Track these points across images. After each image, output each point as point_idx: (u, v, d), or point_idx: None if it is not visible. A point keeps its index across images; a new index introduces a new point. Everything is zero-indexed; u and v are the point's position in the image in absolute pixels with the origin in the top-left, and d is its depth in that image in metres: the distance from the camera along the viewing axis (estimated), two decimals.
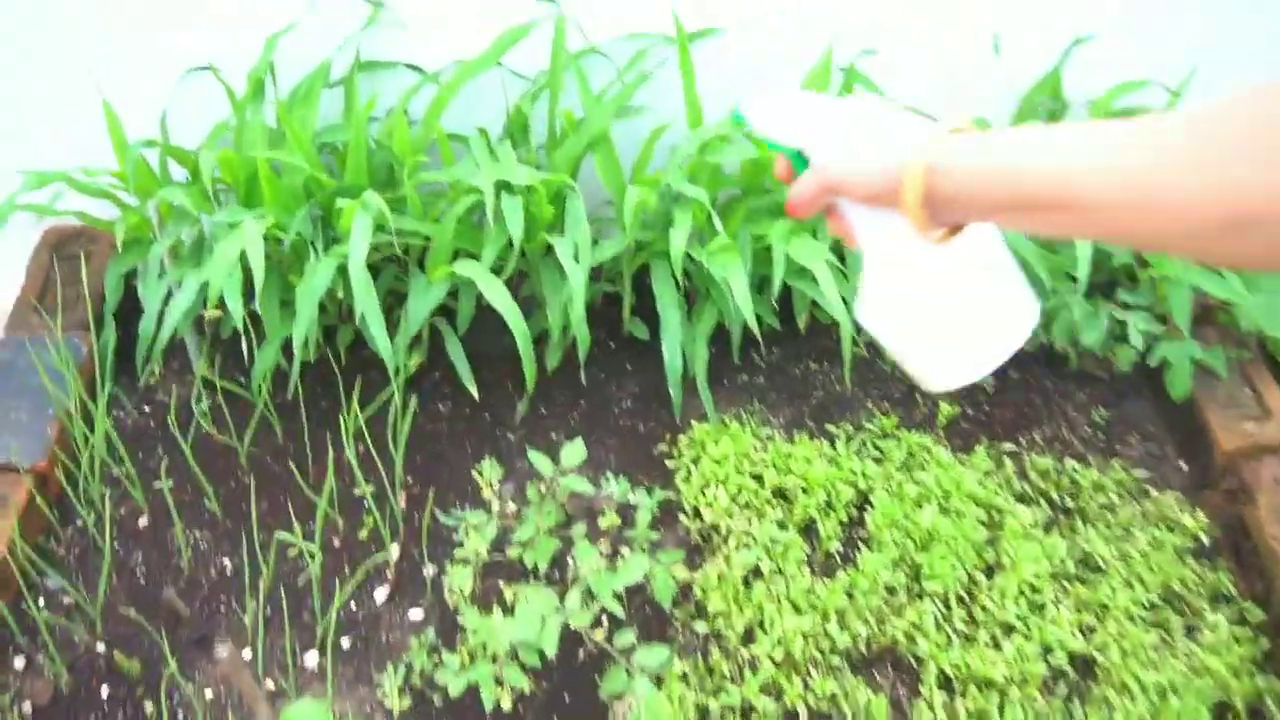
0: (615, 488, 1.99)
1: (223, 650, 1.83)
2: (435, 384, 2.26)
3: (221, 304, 1.91)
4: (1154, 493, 2.10)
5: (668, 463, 2.13)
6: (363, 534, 1.99)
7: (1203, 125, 0.63)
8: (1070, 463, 2.14)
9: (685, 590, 1.92)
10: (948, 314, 0.83)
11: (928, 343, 0.85)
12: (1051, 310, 2.19)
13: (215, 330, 2.26)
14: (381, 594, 1.92)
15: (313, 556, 1.90)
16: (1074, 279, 2.20)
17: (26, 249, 2.36)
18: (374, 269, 2.15)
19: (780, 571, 1.93)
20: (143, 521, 2.00)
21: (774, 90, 0.95)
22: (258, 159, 1.95)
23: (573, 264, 1.95)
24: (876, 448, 2.15)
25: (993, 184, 0.71)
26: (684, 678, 1.80)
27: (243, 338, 1.98)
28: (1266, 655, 1.85)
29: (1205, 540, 2.02)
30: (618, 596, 1.83)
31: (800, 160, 0.87)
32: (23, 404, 2.04)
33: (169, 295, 2.04)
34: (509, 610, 1.85)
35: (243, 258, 1.89)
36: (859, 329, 2.20)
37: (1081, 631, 1.86)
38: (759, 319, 2.17)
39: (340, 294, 2.03)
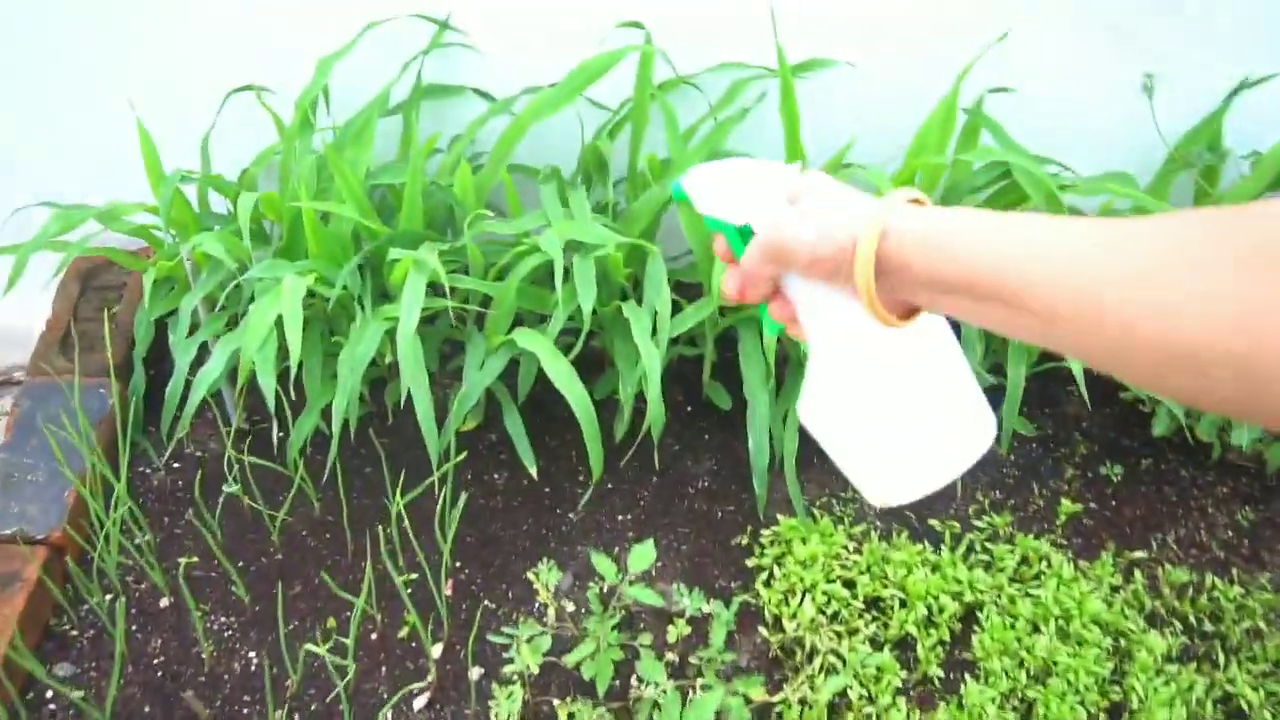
0: (688, 601, 1.74)
1: None
2: (491, 448, 2.02)
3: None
4: None
5: (747, 561, 1.87)
6: (403, 632, 1.76)
7: (1184, 237, 0.54)
8: (1210, 577, 1.84)
9: (762, 712, 1.67)
10: (896, 421, 0.75)
11: (872, 453, 0.77)
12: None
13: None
14: (421, 701, 1.70)
15: (344, 672, 1.68)
16: None
17: (51, 270, 2.15)
18: (428, 318, 1.92)
19: (872, 700, 1.67)
20: (164, 602, 1.79)
21: (708, 164, 0.84)
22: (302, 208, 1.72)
23: (649, 344, 1.69)
24: (986, 551, 1.87)
25: (943, 258, 0.65)
26: None
27: (280, 403, 1.76)
28: None
29: None
30: None
31: (741, 241, 0.79)
32: (41, 464, 1.84)
33: (201, 352, 1.82)
34: None
35: (279, 322, 1.67)
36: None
37: None
38: None
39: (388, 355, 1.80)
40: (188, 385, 1.83)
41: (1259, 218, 0.52)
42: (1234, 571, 1.86)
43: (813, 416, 0.78)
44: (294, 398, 1.81)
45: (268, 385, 1.67)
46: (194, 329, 1.85)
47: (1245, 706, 1.67)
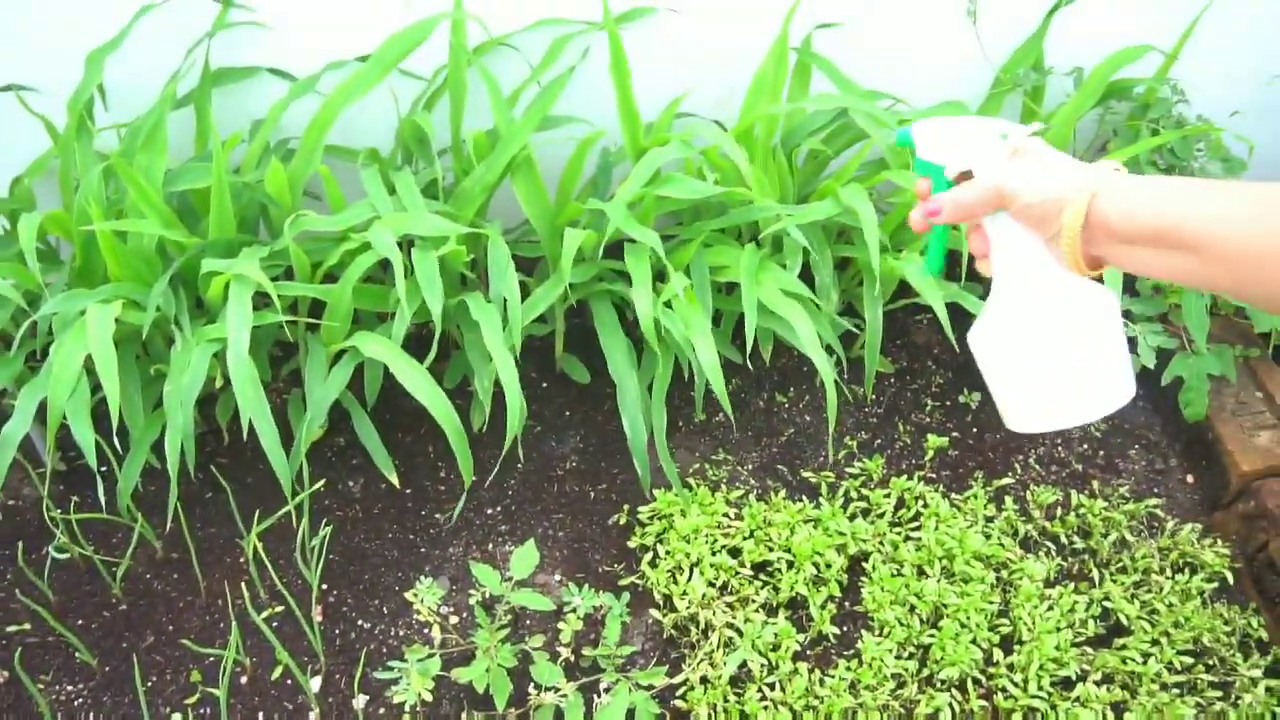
0: (580, 600, 1.57)
1: None
2: (341, 454, 1.79)
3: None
4: (1169, 522, 1.77)
5: (628, 542, 1.71)
6: (276, 672, 1.55)
7: None
8: (1075, 495, 1.79)
9: (665, 695, 1.54)
10: (1053, 363, 0.83)
11: (1026, 384, 0.84)
12: None
13: None
14: None
15: None
16: None
17: None
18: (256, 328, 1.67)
19: (773, 668, 1.56)
20: None
21: (939, 118, 0.90)
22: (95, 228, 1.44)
23: (501, 349, 1.49)
24: (863, 498, 1.77)
25: (1141, 215, 0.74)
26: None
27: (99, 445, 1.49)
28: None
29: (1228, 575, 1.70)
30: None
31: (942, 181, 0.88)
32: None
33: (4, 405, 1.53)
34: None
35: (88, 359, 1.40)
36: (842, 372, 1.80)
37: (1114, 709, 1.54)
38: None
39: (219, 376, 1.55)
40: None
41: None
42: (1094, 484, 1.82)
43: (982, 343, 0.86)
44: (116, 432, 1.55)
45: (85, 437, 1.41)
46: None
47: (1124, 620, 1.63)
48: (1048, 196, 0.80)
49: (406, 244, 1.56)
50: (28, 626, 1.56)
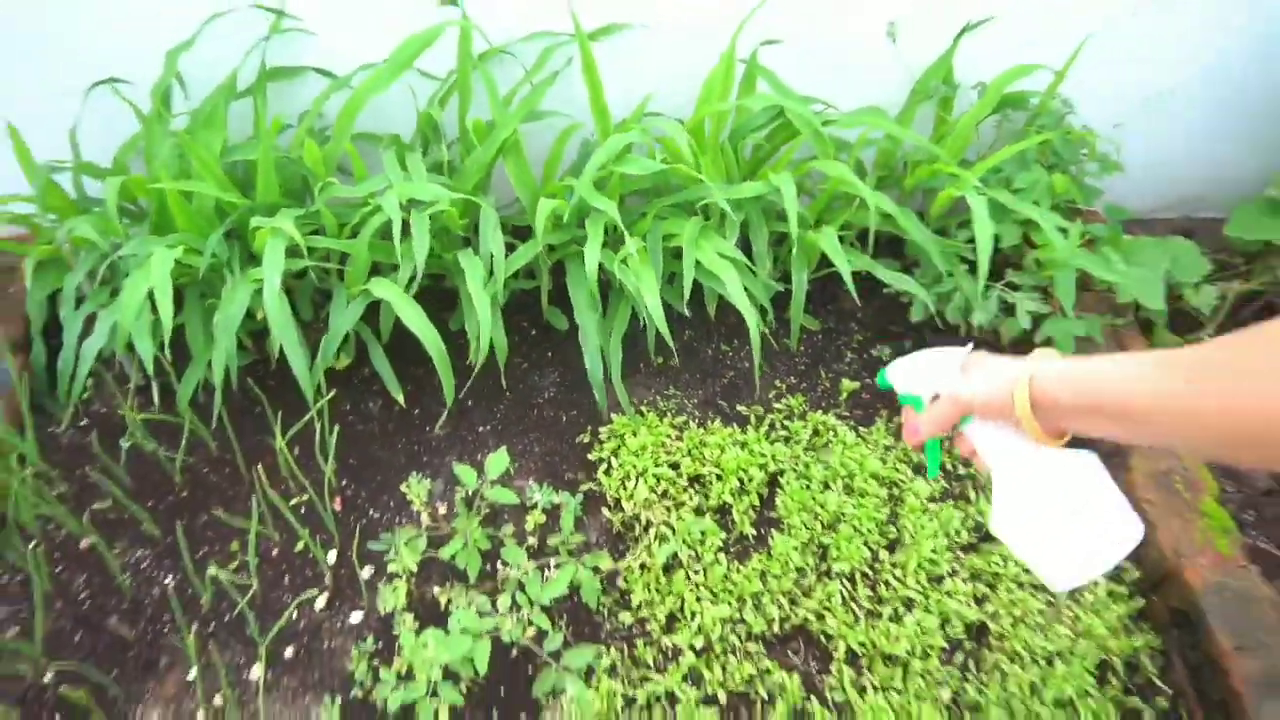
0: (540, 496, 1.86)
1: (169, 671, 1.69)
2: (364, 382, 2.09)
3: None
4: None
5: (589, 455, 1.99)
6: (299, 547, 1.84)
7: (1213, 360, 0.76)
8: None
9: (610, 579, 1.81)
10: (1065, 527, 0.90)
11: (1050, 551, 0.91)
12: (946, 291, 2.07)
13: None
14: (320, 602, 1.79)
15: (243, 590, 1.75)
16: (966, 262, 2.08)
17: None
18: (298, 274, 1.97)
19: (699, 558, 1.83)
20: (84, 543, 1.83)
21: (904, 358, 1.08)
22: (164, 188, 1.74)
23: (480, 291, 1.77)
24: (785, 428, 2.03)
25: (1076, 391, 0.85)
26: (611, 670, 1.70)
27: (167, 362, 1.79)
28: (1140, 612, 1.79)
29: None
30: (546, 609, 1.72)
31: (924, 407, 1.02)
32: None
33: (89, 325, 1.84)
34: (445, 613, 1.73)
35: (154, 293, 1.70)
36: (764, 317, 2.06)
37: (976, 600, 1.79)
38: (670, 307, 2.03)
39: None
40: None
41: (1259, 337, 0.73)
42: None
43: (1001, 526, 0.95)
44: (184, 357, 1.86)
45: (145, 351, 1.71)
46: (81, 304, 1.87)
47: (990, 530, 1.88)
48: (993, 393, 0.91)
49: (411, 208, 1.85)
50: (108, 504, 1.87)
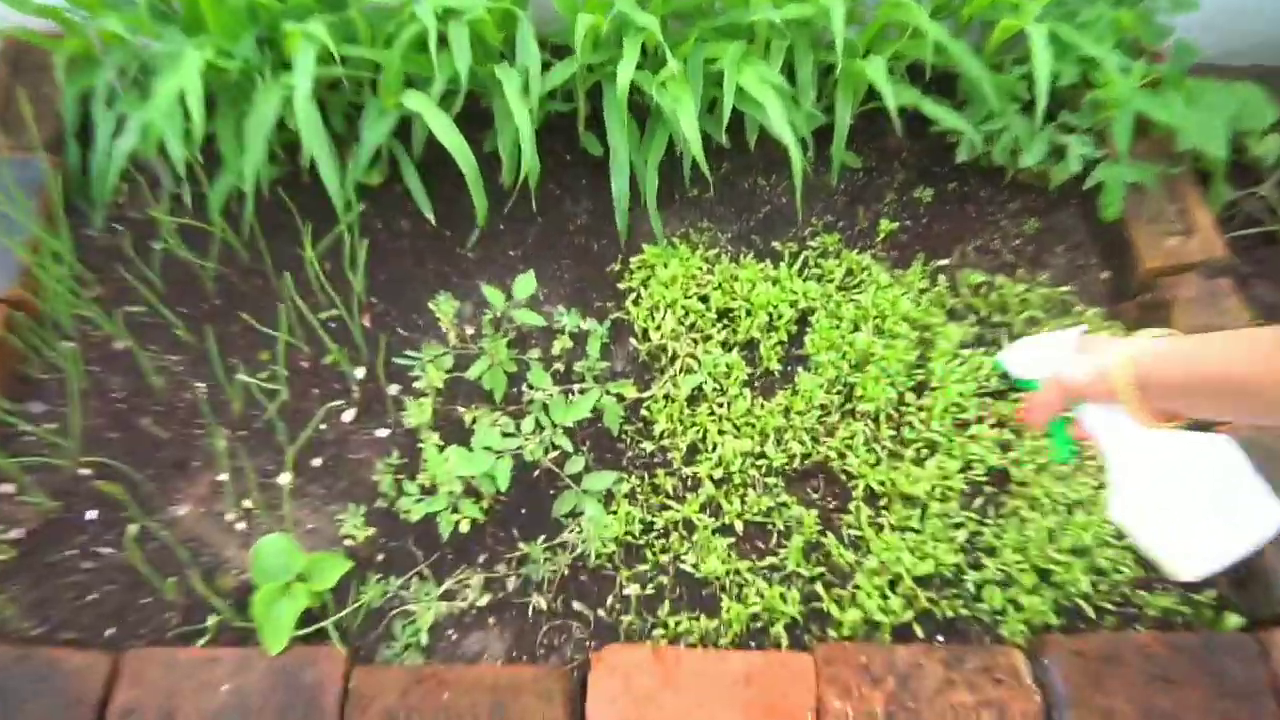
0: (568, 321, 1.77)
1: (200, 473, 1.67)
2: (395, 199, 1.98)
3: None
4: (1077, 307, 1.90)
5: (619, 284, 1.90)
6: (329, 358, 1.78)
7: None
8: (1000, 279, 1.92)
9: (634, 407, 1.75)
10: (1187, 511, 0.85)
11: (1177, 542, 0.86)
12: (995, 131, 1.92)
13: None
14: (348, 415, 1.74)
15: (272, 396, 1.70)
16: (1017, 100, 1.92)
17: None
18: (331, 85, 1.85)
19: (723, 392, 1.75)
20: (118, 345, 1.78)
21: (1017, 342, 1.07)
22: None
23: (519, 103, 1.65)
24: (819, 266, 1.92)
25: (1177, 367, 0.82)
26: (631, 495, 1.65)
27: (200, 166, 1.70)
28: None
29: None
30: (568, 431, 1.66)
31: (1035, 388, 0.99)
32: None
33: (121, 125, 1.74)
34: (469, 432, 1.68)
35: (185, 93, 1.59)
36: (804, 152, 1.93)
37: (1000, 447, 1.72)
38: (709, 138, 1.89)
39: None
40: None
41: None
42: (1019, 272, 1.94)
43: (1119, 512, 0.90)
44: (217, 166, 1.76)
45: (176, 154, 1.61)
46: (114, 103, 1.76)
47: None
48: (1092, 376, 0.89)
49: (449, 19, 1.70)
50: (143, 308, 1.81)
